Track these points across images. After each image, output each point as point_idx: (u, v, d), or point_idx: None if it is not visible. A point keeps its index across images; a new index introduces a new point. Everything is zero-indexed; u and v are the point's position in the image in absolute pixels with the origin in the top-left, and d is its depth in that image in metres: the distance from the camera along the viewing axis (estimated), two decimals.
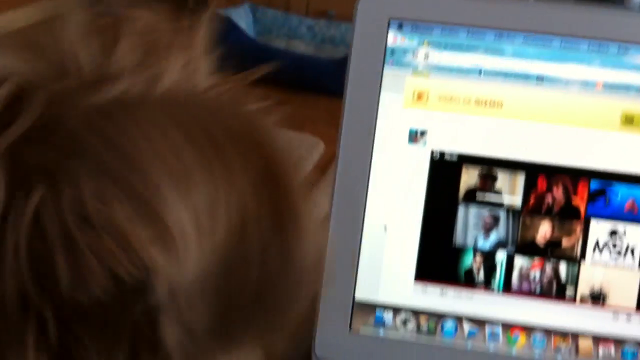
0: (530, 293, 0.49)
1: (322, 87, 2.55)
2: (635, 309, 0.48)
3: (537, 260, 0.49)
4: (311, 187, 0.30)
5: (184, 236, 0.23)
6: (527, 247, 0.49)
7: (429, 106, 0.49)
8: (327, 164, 2.17)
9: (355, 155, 0.49)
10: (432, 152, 0.49)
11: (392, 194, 0.49)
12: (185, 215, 0.23)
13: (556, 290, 0.49)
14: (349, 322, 0.49)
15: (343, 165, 0.49)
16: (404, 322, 0.50)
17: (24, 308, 0.23)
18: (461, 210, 0.49)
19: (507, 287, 0.49)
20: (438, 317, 0.49)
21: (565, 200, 0.48)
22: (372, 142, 0.49)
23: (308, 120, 2.27)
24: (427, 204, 0.49)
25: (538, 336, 0.49)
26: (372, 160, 0.49)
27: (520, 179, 0.48)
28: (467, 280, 0.49)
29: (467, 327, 0.49)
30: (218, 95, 0.28)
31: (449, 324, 0.49)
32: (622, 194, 0.48)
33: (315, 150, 2.14)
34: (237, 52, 0.27)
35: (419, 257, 0.49)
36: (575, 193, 0.49)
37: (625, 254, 0.48)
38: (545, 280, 0.49)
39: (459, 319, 0.49)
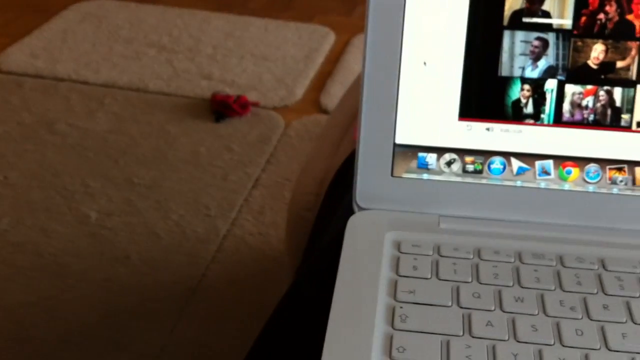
0: (582, 123, 0.46)
1: None
2: None
3: (589, 87, 0.45)
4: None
5: None
6: (579, 73, 0.45)
7: None
8: (338, 54, 2.12)
9: None
10: None
11: (430, 25, 0.45)
12: None
13: (611, 119, 0.46)
14: (390, 168, 0.47)
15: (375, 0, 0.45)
16: (449, 164, 0.47)
17: None
18: (506, 36, 0.45)
19: (557, 119, 0.46)
20: (485, 156, 0.46)
21: (619, 17, 0.44)
22: None
23: (318, 11, 2.20)
24: (469, 32, 0.45)
25: (592, 169, 0.46)
26: None
27: None
28: (515, 114, 0.46)
29: (516, 164, 0.46)
30: None
31: (497, 162, 0.47)
32: None
33: (325, 40, 2.08)
34: None
35: (463, 93, 0.46)
36: (630, 10, 0.44)
37: None
38: (598, 108, 0.46)
39: (507, 156, 0.46)
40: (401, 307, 0.38)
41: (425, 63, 0.45)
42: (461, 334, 0.37)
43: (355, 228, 0.45)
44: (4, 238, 1.29)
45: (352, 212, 0.47)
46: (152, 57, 1.92)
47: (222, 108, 1.65)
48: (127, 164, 1.49)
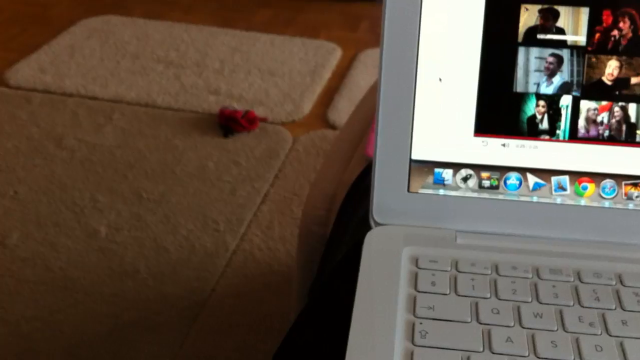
0: (598, 139, 0.46)
1: None
2: None
3: (604, 103, 0.46)
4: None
5: None
6: (594, 89, 0.45)
7: None
8: (344, 69, 2.13)
9: (403, 3, 0.45)
10: None
11: (445, 42, 0.45)
12: None
13: (626, 134, 0.46)
14: (406, 184, 0.47)
15: (390, 16, 0.45)
16: (465, 180, 0.47)
17: None
18: (521, 53, 0.45)
19: (573, 134, 0.46)
20: (501, 172, 0.47)
21: (632, 34, 0.45)
22: None
23: (323, 27, 2.22)
24: (484, 49, 0.45)
25: (608, 184, 0.46)
26: (422, 6, 0.45)
27: (584, 14, 0.45)
28: (530, 130, 0.46)
29: (531, 179, 0.47)
30: None
31: (513, 178, 0.47)
32: None
33: (332, 56, 2.09)
34: None
35: (478, 109, 0.46)
36: None
37: None
38: (613, 124, 0.46)
39: (523, 172, 0.47)
40: (421, 323, 0.38)
41: (440, 79, 0.46)
42: (481, 350, 0.37)
43: (373, 243, 0.45)
44: (13, 253, 1.30)
45: (367, 228, 0.47)
46: (160, 72, 1.93)
47: (230, 123, 1.66)
48: (136, 179, 1.50)
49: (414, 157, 0.47)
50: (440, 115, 0.46)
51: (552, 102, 0.46)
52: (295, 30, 2.17)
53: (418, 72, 0.46)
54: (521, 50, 0.45)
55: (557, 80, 0.45)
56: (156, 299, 1.21)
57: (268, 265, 1.29)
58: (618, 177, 0.46)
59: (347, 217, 0.62)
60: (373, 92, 1.01)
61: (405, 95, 0.46)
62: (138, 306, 1.19)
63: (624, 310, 0.41)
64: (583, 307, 0.41)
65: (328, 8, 2.31)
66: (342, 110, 1.74)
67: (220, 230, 1.36)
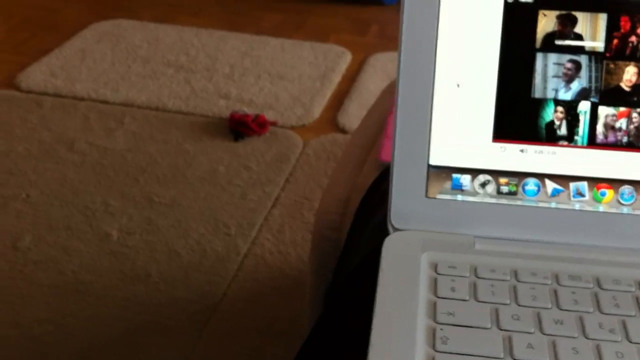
0: (616, 145, 0.46)
1: None
2: None
3: (622, 109, 0.46)
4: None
5: None
6: (612, 95, 0.45)
7: None
8: (354, 73, 2.13)
9: (421, 8, 0.45)
10: None
11: (463, 48, 0.46)
12: None
13: None
14: (424, 189, 0.47)
15: (408, 22, 0.45)
16: (483, 185, 0.47)
17: None
18: (539, 58, 0.45)
19: (591, 140, 0.46)
20: (519, 177, 0.47)
21: None
22: None
23: (332, 31, 2.22)
24: (502, 54, 0.45)
25: (627, 190, 0.46)
26: (440, 12, 0.45)
27: (603, 20, 0.45)
28: (549, 136, 0.46)
29: (550, 185, 0.47)
30: None
31: (531, 184, 0.47)
32: None
33: (342, 60, 2.09)
34: None
35: (496, 114, 0.46)
36: None
37: None
38: (632, 130, 0.46)
39: (541, 178, 0.47)
40: (441, 329, 0.38)
41: (458, 85, 0.46)
42: (502, 356, 0.37)
43: (391, 249, 0.45)
44: (25, 256, 1.30)
45: (383, 233, 0.47)
46: (170, 76, 1.93)
47: (240, 127, 1.66)
48: (147, 183, 1.50)
49: (431, 162, 0.47)
50: (458, 121, 0.46)
51: (570, 108, 0.46)
52: (305, 34, 2.17)
53: (436, 78, 0.46)
54: (539, 56, 0.45)
55: (576, 86, 0.45)
56: (167, 303, 1.21)
57: (279, 270, 1.29)
58: (637, 184, 0.46)
59: (363, 223, 0.62)
60: (384, 96, 1.01)
61: (423, 100, 0.46)
62: (149, 310, 1.20)
63: None
64: (603, 313, 0.41)
65: (337, 12, 2.32)
66: (353, 114, 1.74)
67: (232, 234, 1.36)
